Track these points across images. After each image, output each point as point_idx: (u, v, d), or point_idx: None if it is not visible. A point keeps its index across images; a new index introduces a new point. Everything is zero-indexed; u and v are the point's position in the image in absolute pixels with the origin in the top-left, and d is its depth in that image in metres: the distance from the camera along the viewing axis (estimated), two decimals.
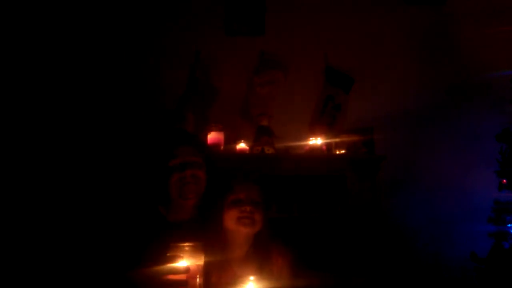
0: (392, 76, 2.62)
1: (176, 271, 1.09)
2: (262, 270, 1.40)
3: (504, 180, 2.13)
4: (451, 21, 2.68)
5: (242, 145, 2.26)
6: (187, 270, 1.09)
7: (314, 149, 2.30)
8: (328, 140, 2.34)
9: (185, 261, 1.10)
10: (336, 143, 2.34)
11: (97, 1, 2.47)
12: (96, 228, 1.85)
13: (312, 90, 2.59)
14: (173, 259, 1.10)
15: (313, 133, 2.39)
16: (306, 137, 2.35)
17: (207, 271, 1.33)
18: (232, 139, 2.26)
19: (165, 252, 1.11)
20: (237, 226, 1.42)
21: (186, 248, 1.11)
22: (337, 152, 2.30)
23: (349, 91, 2.57)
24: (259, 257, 1.44)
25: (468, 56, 2.64)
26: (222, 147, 2.21)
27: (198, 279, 1.12)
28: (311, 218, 2.20)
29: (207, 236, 1.36)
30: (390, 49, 2.65)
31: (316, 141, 2.31)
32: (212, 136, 2.20)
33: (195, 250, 1.12)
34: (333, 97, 2.55)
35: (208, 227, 1.44)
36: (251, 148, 2.24)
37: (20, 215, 2.11)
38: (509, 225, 2.07)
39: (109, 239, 1.46)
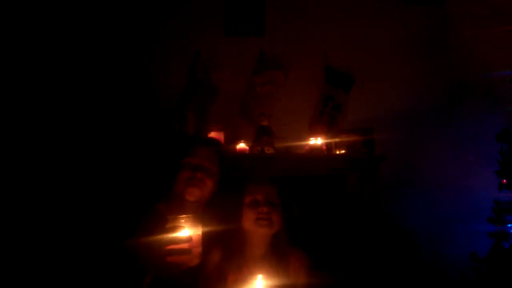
0: (392, 76, 2.62)
1: (178, 241, 1.12)
2: (279, 270, 1.41)
3: (504, 180, 2.13)
4: (451, 21, 2.68)
5: (242, 145, 2.26)
6: (189, 239, 1.13)
7: (314, 149, 2.29)
8: (328, 140, 2.34)
9: (186, 231, 1.13)
10: (336, 143, 2.34)
11: (97, 2, 2.47)
12: (97, 215, 1.87)
13: (312, 90, 2.58)
14: (174, 229, 1.13)
15: (313, 133, 2.39)
16: (306, 137, 2.35)
17: (225, 270, 1.36)
18: (232, 139, 2.26)
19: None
20: (255, 227, 1.43)
21: (183, 220, 1.15)
22: (337, 152, 2.30)
23: (349, 91, 2.57)
24: (277, 258, 1.45)
25: (468, 56, 2.64)
26: None
27: (198, 248, 1.16)
28: (311, 218, 2.20)
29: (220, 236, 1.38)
30: (390, 49, 2.65)
31: (316, 141, 2.31)
32: (212, 136, 2.20)
33: (192, 221, 1.16)
34: (333, 97, 2.55)
35: (216, 226, 1.44)
36: (251, 148, 2.23)
37: (24, 203, 2.14)
38: (509, 225, 2.06)
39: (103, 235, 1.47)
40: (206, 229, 1.20)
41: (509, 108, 2.25)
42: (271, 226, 1.44)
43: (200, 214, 1.52)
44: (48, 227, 2.08)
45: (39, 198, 2.16)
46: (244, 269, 1.41)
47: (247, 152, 2.23)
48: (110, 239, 1.36)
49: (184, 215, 1.15)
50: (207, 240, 1.23)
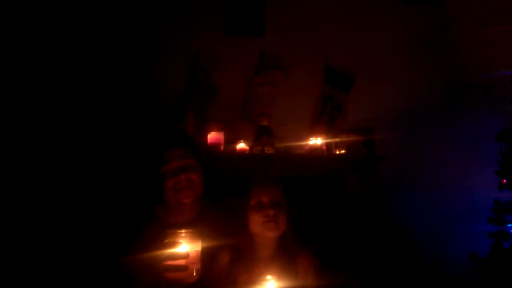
0: (392, 76, 2.62)
1: (175, 257, 1.11)
2: (288, 271, 1.40)
3: (504, 180, 2.13)
4: (451, 21, 2.68)
5: (242, 145, 2.26)
6: (186, 256, 1.11)
7: (314, 149, 2.30)
8: (328, 140, 2.34)
9: (184, 247, 1.12)
10: (336, 143, 2.34)
11: (97, 2, 2.47)
12: (93, 227, 1.87)
13: (312, 90, 2.58)
14: (172, 245, 1.11)
15: (313, 133, 2.39)
16: (306, 137, 2.35)
17: (234, 272, 1.36)
18: (232, 139, 2.26)
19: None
20: (262, 230, 1.42)
21: (183, 235, 1.13)
22: (337, 152, 2.30)
23: (349, 91, 2.57)
24: (285, 258, 1.44)
25: (468, 56, 2.64)
26: (222, 147, 2.21)
27: (196, 265, 1.14)
28: (311, 218, 2.20)
29: (222, 237, 1.38)
30: (390, 49, 2.65)
31: (316, 141, 2.31)
32: (212, 136, 2.20)
33: (192, 236, 1.14)
34: (333, 97, 2.55)
35: (214, 231, 1.43)
36: (251, 148, 2.23)
37: (21, 212, 2.12)
38: (509, 225, 2.06)
39: (103, 239, 1.47)
40: (205, 244, 1.19)
41: (509, 108, 2.25)
42: (278, 229, 1.43)
43: (197, 214, 1.52)
44: (46, 237, 2.07)
45: (36, 202, 2.14)
46: (253, 271, 1.40)
47: (247, 152, 2.23)
48: (108, 254, 1.36)
49: (184, 230, 1.14)
50: (216, 243, 1.21)
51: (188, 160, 1.49)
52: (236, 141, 2.26)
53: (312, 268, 1.47)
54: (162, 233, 1.15)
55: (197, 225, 1.44)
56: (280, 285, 1.20)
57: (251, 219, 1.44)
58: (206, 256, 1.22)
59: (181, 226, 1.40)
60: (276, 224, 1.41)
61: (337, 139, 2.35)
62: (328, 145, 2.34)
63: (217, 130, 2.22)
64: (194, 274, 1.15)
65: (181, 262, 1.11)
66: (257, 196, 1.45)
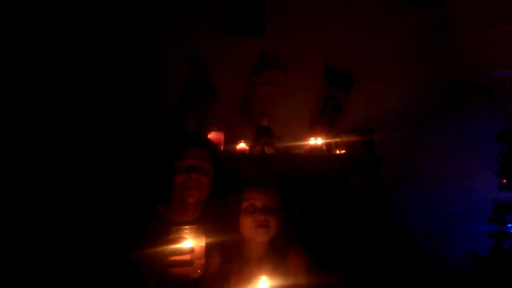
0: (392, 76, 2.62)
1: (181, 252, 1.12)
2: (279, 269, 1.41)
3: (504, 180, 2.13)
4: (451, 21, 2.68)
5: (242, 145, 2.26)
6: (191, 251, 1.12)
7: (314, 149, 2.30)
8: (328, 140, 2.34)
9: (189, 242, 1.13)
10: (336, 143, 2.33)
11: (98, 2, 2.47)
12: (98, 224, 1.87)
13: (312, 90, 2.59)
14: (177, 240, 1.12)
15: (313, 133, 2.39)
16: (306, 137, 2.35)
17: (226, 273, 1.37)
18: (232, 139, 2.26)
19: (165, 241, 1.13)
20: (253, 234, 1.43)
21: (187, 230, 1.14)
22: (337, 152, 2.30)
23: (349, 91, 2.57)
24: (276, 257, 1.45)
25: (468, 56, 2.64)
26: (222, 147, 2.21)
27: (201, 260, 1.15)
28: (311, 218, 2.20)
29: (220, 237, 1.38)
30: (390, 49, 2.65)
31: (316, 141, 2.31)
32: (212, 136, 2.20)
33: (196, 232, 1.15)
34: (333, 97, 2.55)
35: (217, 229, 1.43)
36: (251, 148, 2.23)
37: (27, 209, 2.13)
38: (509, 225, 2.07)
39: (105, 234, 1.48)
40: (210, 240, 1.20)
41: (509, 108, 2.25)
42: (270, 233, 1.43)
43: (200, 214, 1.53)
44: (50, 234, 2.07)
45: (39, 202, 2.15)
46: (245, 270, 1.40)
47: (247, 152, 2.23)
48: (113, 249, 1.36)
49: (188, 226, 1.15)
50: (207, 243, 1.22)
51: (204, 163, 1.50)
52: (236, 141, 2.27)
53: (303, 266, 1.48)
54: (166, 230, 1.16)
55: (200, 225, 1.46)
56: (272, 283, 1.20)
57: (242, 221, 1.44)
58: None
59: (185, 223, 1.42)
60: (267, 229, 1.42)
61: (337, 139, 2.34)
62: (328, 145, 2.34)
63: (217, 130, 2.23)
64: (199, 269, 1.15)
65: (186, 257, 1.12)
66: (249, 199, 1.45)
